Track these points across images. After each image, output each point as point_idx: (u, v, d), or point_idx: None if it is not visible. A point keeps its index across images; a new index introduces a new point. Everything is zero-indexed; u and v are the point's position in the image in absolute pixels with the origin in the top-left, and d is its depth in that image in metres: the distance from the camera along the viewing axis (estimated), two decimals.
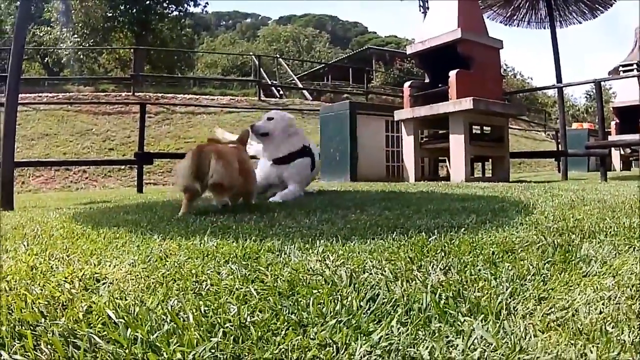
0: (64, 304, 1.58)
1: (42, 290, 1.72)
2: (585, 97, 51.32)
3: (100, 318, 1.42)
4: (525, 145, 24.23)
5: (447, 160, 9.79)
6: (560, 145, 14.22)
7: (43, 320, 1.44)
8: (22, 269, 2.04)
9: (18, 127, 13.05)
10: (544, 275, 1.73)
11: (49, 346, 1.26)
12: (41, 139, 15.58)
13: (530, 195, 4.80)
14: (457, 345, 1.19)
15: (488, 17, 13.72)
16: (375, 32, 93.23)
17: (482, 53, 9.21)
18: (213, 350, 1.20)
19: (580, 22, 14.15)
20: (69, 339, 1.30)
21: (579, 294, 1.52)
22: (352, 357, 1.15)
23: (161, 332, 1.31)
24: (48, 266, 2.10)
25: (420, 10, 32.87)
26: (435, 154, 10.15)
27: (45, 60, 31.14)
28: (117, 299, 1.61)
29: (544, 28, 14.08)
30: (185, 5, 34.43)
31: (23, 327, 1.38)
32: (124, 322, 1.37)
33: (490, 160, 10.43)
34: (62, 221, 3.80)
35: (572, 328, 1.28)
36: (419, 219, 3.16)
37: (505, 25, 14.52)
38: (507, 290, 1.56)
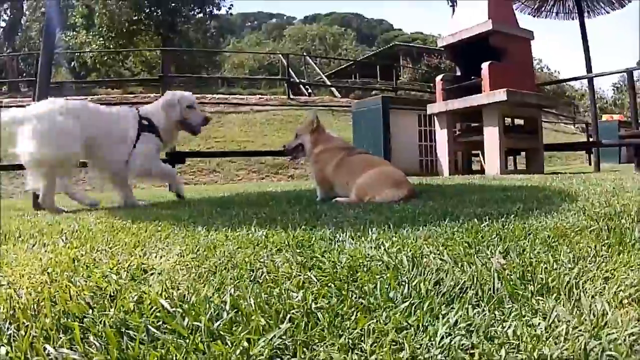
0: (112, 295, 1.57)
1: (86, 281, 1.71)
2: (613, 89, 50.64)
3: (154, 308, 1.40)
4: (555, 139, 23.95)
5: (480, 154, 9.71)
6: (591, 137, 14.06)
7: (90, 311, 1.41)
8: (63, 262, 2.02)
9: None
10: (603, 256, 1.72)
11: (99, 338, 1.23)
12: None
13: (569, 184, 4.74)
14: (539, 324, 1.17)
15: (516, 9, 13.54)
16: (401, 29, 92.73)
17: (513, 44, 9.12)
18: (283, 337, 1.18)
19: (608, 12, 13.95)
20: (121, 330, 1.27)
21: None
22: (433, 338, 1.14)
23: (223, 320, 1.29)
24: (91, 258, 2.09)
25: (448, 4, 32.67)
26: (468, 147, 10.07)
27: (72, 65, 31.41)
28: (169, 288, 1.59)
29: (573, 19, 13.93)
30: (210, 7, 34.54)
31: (69, 319, 1.36)
32: (180, 311, 1.36)
33: (523, 153, 10.34)
34: (99, 217, 3.80)
35: None
36: (465, 207, 3.14)
37: (534, 17, 14.39)
38: (571, 271, 1.54)
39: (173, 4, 32.03)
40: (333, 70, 40.24)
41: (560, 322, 1.18)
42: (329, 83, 28.55)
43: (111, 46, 30.55)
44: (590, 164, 14.75)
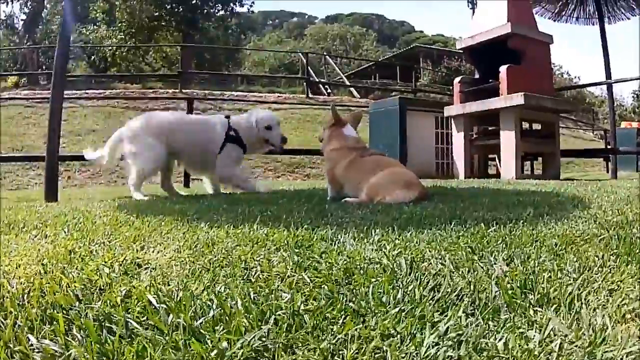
0: (102, 288, 1.56)
1: (79, 274, 1.70)
2: (633, 96, 50.25)
3: (140, 303, 1.39)
4: (573, 145, 23.80)
5: (497, 158, 9.65)
6: (609, 144, 13.96)
7: (77, 304, 1.41)
8: (59, 253, 2.02)
9: (65, 123, 13.26)
10: (610, 267, 1.67)
11: (82, 331, 1.23)
12: (88, 135, 15.64)
13: (584, 191, 4.68)
14: (533, 337, 1.12)
15: (536, 13, 13.44)
16: (422, 31, 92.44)
17: (532, 48, 9.03)
18: (264, 339, 1.16)
19: (629, 18, 13.84)
20: (103, 324, 1.27)
21: None
22: (419, 347, 1.09)
23: (206, 319, 1.27)
24: (88, 250, 2.09)
25: (468, 6, 32.65)
26: (485, 150, 9.99)
27: (92, 59, 31.60)
28: (159, 284, 1.58)
29: (593, 24, 13.83)
30: (232, 4, 34.62)
31: (55, 311, 1.35)
32: (165, 307, 1.34)
33: (539, 158, 10.26)
34: (106, 210, 3.80)
35: None
36: (475, 211, 3.09)
37: (554, 21, 14.28)
38: (575, 282, 1.49)
39: (194, 1, 32.17)
40: (353, 71, 40.24)
41: (556, 335, 1.13)
42: (348, 83, 28.48)
43: (131, 42, 30.70)
44: (607, 172, 14.64)
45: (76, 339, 1.18)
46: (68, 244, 2.19)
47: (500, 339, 1.11)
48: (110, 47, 30.39)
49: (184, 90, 20.37)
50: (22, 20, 32.83)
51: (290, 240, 2.17)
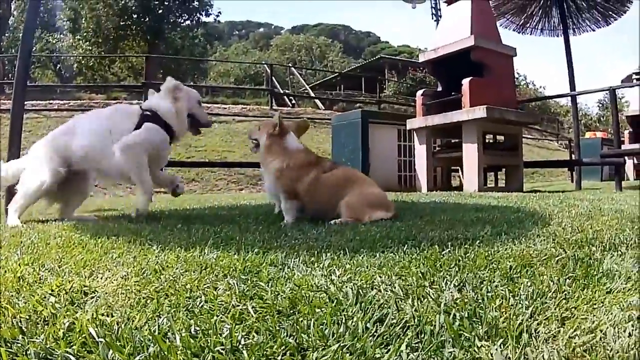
0: (46, 319, 1.52)
1: (25, 303, 1.66)
2: (598, 106, 51.12)
3: (82, 337, 1.35)
4: (538, 155, 24.12)
5: (460, 170, 9.70)
6: (574, 154, 14.15)
7: (21, 337, 1.37)
8: (9, 280, 1.98)
9: (28, 133, 13.08)
10: (565, 292, 1.63)
11: None
12: None
13: (545, 205, 4.71)
14: None
15: (501, 25, 13.68)
16: (388, 42, 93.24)
17: (495, 60, 9.12)
18: None
19: (594, 30, 14.13)
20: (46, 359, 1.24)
21: (604, 314, 1.42)
22: None
23: (144, 355, 1.24)
24: (37, 277, 2.04)
25: (432, 19, 32.92)
26: (448, 163, 10.07)
27: (58, 68, 31.34)
28: (102, 315, 1.54)
29: (557, 36, 14.06)
30: (198, 14, 34.58)
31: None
32: (104, 342, 1.30)
33: (503, 169, 10.34)
34: (62, 229, 3.74)
35: (602, 354, 1.18)
36: (431, 230, 3.06)
37: (519, 33, 14.53)
38: (527, 309, 1.46)
39: (160, 11, 32.07)
40: (318, 82, 40.56)
41: None
42: (312, 94, 28.63)
43: (97, 51, 30.51)
44: (572, 181, 14.81)
45: None
46: (18, 269, 2.16)
47: None
48: (76, 57, 30.15)
49: None
50: None
51: (239, 265, 2.12)
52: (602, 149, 14.19)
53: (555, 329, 1.33)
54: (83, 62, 30.37)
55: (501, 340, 1.26)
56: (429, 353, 1.20)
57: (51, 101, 19.45)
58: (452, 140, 9.79)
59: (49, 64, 31.79)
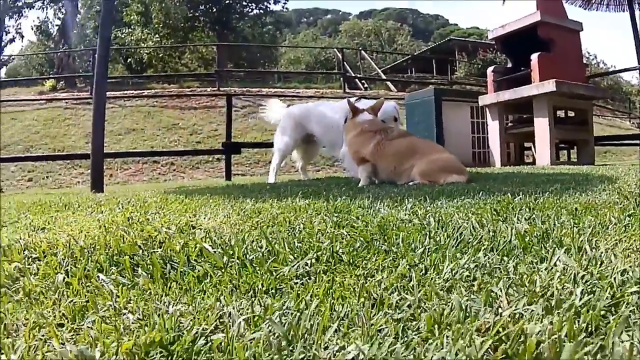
0: (161, 241, 1.74)
1: (139, 233, 1.88)
2: None
3: (197, 250, 1.56)
4: (610, 133, 23.51)
5: (532, 146, 9.67)
6: None
7: (140, 251, 1.60)
8: (119, 220, 2.20)
9: (105, 122, 13.53)
10: (625, 224, 1.75)
11: (146, 269, 1.42)
12: (128, 134, 16.01)
13: (614, 172, 4.77)
14: (541, 267, 1.26)
15: (566, 2, 13.40)
16: (457, 24, 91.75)
17: (562, 36, 9.05)
18: (306, 267, 1.35)
19: None
20: (166, 261, 1.46)
21: None
22: (440, 274, 1.25)
23: (257, 255, 1.46)
24: (144, 218, 2.28)
25: None
26: (520, 138, 10.01)
27: (128, 61, 31.89)
28: (213, 237, 1.75)
29: (624, 11, 13.68)
30: (266, 3, 34.79)
31: (121, 257, 1.53)
32: (220, 251, 1.52)
33: (574, 148, 10.25)
34: (155, 194, 4.03)
35: None
36: (505, 186, 3.23)
37: (584, 9, 14.16)
38: (589, 234, 1.60)
39: (228, 1, 32.36)
40: (389, 65, 39.98)
41: (561, 263, 1.27)
42: (384, 77, 28.43)
43: (167, 43, 30.98)
44: None
45: (142, 276, 1.37)
46: (125, 213, 2.39)
47: (512, 266, 1.26)
48: (147, 50, 30.65)
49: (222, 89, 20.47)
50: (56, 25, 33.18)
51: (329, 207, 2.33)
52: None
53: (612, 244, 1.48)
54: (153, 54, 30.82)
55: (565, 249, 1.43)
56: (501, 255, 1.39)
57: (125, 92, 19.91)
58: (524, 116, 9.75)
59: (119, 57, 32.32)
